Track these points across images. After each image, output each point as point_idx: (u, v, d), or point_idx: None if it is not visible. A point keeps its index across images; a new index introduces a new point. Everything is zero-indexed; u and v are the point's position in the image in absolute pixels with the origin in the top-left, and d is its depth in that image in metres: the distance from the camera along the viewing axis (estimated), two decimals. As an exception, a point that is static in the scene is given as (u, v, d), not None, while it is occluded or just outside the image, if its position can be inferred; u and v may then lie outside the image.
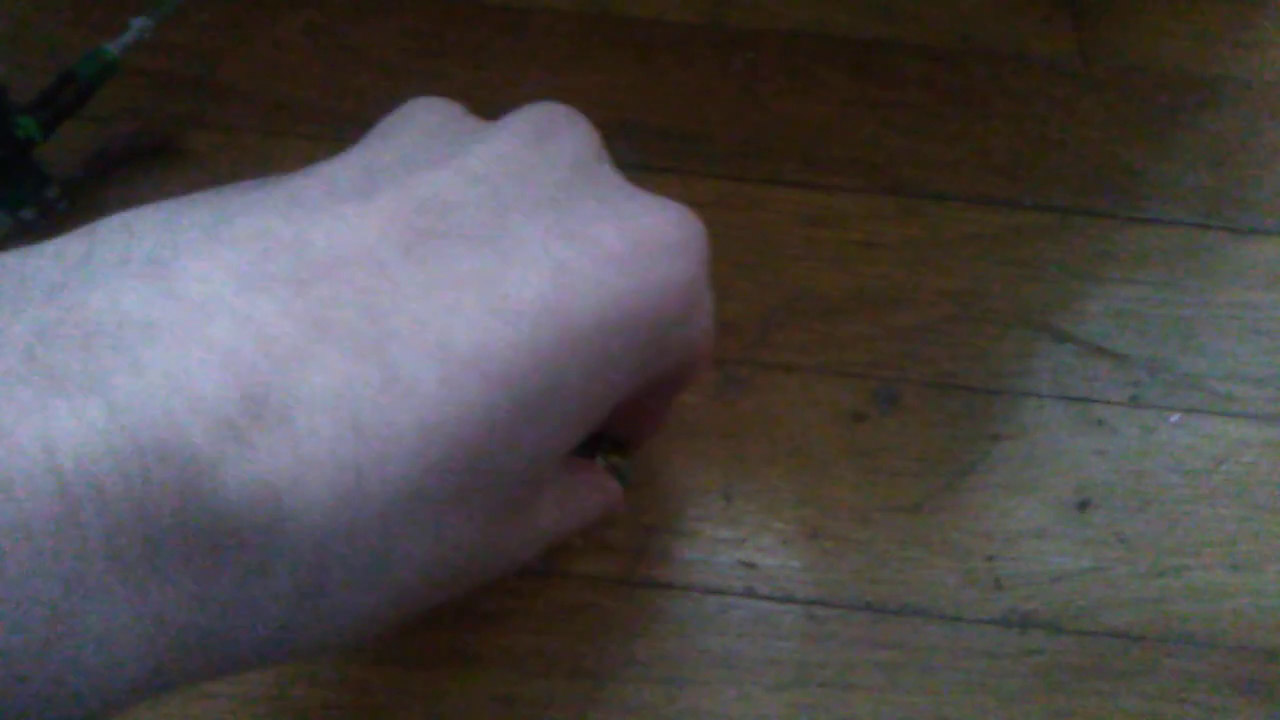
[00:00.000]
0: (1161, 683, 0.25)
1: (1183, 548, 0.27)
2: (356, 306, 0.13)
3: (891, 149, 0.34)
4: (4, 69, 0.33)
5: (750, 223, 0.32)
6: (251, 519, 0.11)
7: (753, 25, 0.36)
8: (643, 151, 0.34)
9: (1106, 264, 0.32)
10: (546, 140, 0.17)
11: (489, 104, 0.20)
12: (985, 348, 0.30)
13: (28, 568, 0.10)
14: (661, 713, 0.25)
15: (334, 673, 0.25)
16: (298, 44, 0.35)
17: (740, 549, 0.27)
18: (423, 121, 0.18)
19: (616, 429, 0.21)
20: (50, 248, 0.13)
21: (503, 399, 0.14)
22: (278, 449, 0.12)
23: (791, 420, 0.29)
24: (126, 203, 0.14)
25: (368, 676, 0.25)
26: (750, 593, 0.26)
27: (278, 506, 0.12)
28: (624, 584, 0.26)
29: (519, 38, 0.36)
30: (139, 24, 0.30)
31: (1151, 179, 0.34)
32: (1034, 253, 0.32)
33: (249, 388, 0.12)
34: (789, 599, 0.26)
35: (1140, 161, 0.34)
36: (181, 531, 0.11)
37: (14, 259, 0.12)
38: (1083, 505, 0.28)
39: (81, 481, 0.10)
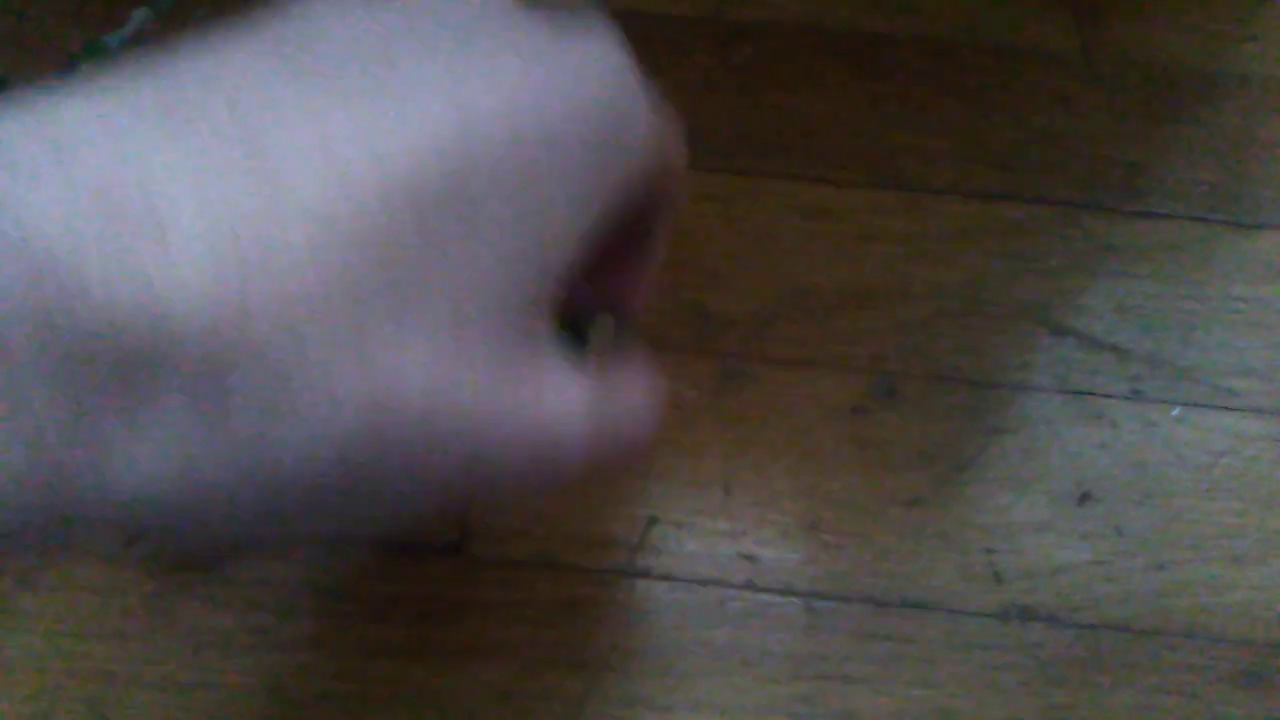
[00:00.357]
0: (1161, 676, 0.25)
1: (1183, 541, 0.27)
2: (234, 126, 0.13)
3: (892, 143, 0.34)
4: (5, 63, 0.33)
5: (750, 216, 0.32)
6: (129, 329, 0.11)
7: (753, 19, 0.36)
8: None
9: (1107, 258, 0.32)
10: None
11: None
12: (985, 341, 0.30)
13: None
14: (660, 704, 0.25)
15: (330, 664, 0.25)
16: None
17: (739, 541, 0.27)
18: None
19: (602, 297, 0.21)
20: None
21: (404, 208, 0.13)
22: (153, 259, 0.12)
23: (791, 413, 0.29)
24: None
25: (364, 668, 0.25)
26: (749, 585, 0.26)
27: (156, 315, 0.11)
28: (623, 576, 0.26)
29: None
30: (139, 16, 0.30)
31: (1152, 173, 0.34)
32: (1034, 247, 0.32)
33: (121, 204, 0.12)
34: (788, 591, 0.26)
35: (1141, 156, 0.34)
36: (54, 350, 0.11)
37: None
38: (1083, 499, 0.28)
39: None
